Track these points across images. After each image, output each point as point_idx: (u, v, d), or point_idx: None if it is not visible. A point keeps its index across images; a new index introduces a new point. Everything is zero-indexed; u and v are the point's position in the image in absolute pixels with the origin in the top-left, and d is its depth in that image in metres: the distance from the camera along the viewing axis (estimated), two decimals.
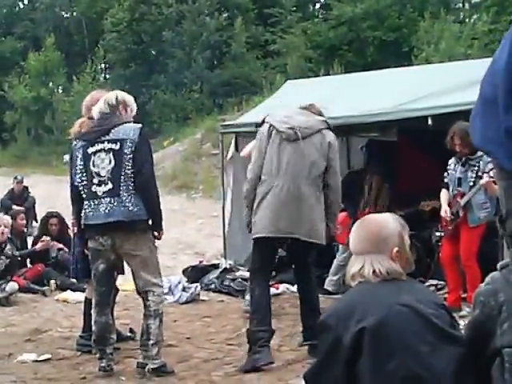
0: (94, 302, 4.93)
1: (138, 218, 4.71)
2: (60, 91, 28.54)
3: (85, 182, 4.79)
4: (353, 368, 2.30)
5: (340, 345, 2.33)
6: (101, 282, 4.88)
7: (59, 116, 26.64)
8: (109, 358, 4.84)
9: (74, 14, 34.52)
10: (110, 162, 4.70)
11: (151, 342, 4.75)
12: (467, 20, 23.35)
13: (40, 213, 11.45)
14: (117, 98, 4.89)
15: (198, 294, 7.44)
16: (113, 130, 4.75)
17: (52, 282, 7.93)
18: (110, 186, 4.69)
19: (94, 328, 4.89)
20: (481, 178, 6.09)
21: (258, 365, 4.91)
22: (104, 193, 4.69)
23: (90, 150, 4.77)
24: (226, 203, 8.82)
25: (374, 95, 7.74)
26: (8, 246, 7.51)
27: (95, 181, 4.72)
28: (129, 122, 4.84)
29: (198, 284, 7.67)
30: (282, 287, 7.67)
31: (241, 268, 8.41)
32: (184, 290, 7.39)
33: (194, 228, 12.50)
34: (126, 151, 4.68)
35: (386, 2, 23.75)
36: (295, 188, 5.17)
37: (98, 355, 4.88)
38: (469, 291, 6.05)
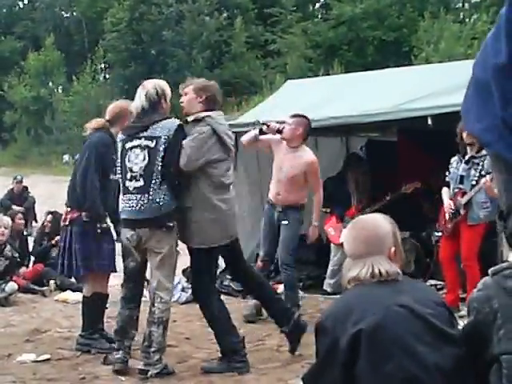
0: (121, 294, 5.06)
1: (163, 215, 4.75)
2: (60, 91, 28.53)
3: (119, 176, 4.91)
4: (351, 370, 2.30)
5: (337, 347, 2.32)
6: (129, 279, 4.98)
7: (59, 116, 26.65)
8: (126, 351, 4.91)
9: (74, 13, 34.55)
10: (144, 158, 4.74)
11: (153, 349, 4.75)
12: (467, 20, 23.36)
13: (40, 213, 11.45)
14: (157, 93, 4.87)
15: None
16: (151, 127, 4.77)
17: (52, 282, 7.93)
18: (141, 182, 4.74)
19: (117, 319, 5.01)
20: (484, 177, 6.08)
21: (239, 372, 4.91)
22: (135, 188, 4.76)
23: (128, 145, 4.83)
24: None
25: (374, 95, 7.73)
26: (7, 247, 7.51)
27: (128, 176, 4.80)
28: (169, 118, 4.87)
29: None
30: (282, 287, 7.65)
31: None
32: (183, 290, 7.38)
33: None
34: (159, 148, 4.72)
35: (386, 2, 23.77)
36: None
37: (115, 346, 4.97)
38: (469, 291, 6.03)
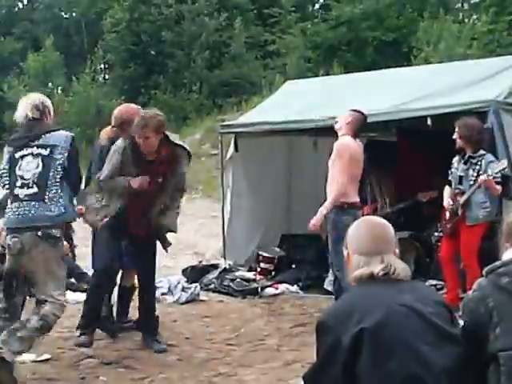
0: None
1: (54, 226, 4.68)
2: (59, 92, 28.49)
3: (7, 186, 4.79)
4: (352, 369, 2.30)
5: (339, 346, 2.33)
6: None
7: (59, 116, 26.64)
8: None
9: (74, 14, 34.49)
10: (38, 166, 4.68)
11: (19, 333, 4.59)
12: (466, 20, 23.31)
13: None
14: (43, 103, 4.89)
15: (198, 294, 7.44)
16: (44, 136, 4.76)
17: None
18: (34, 189, 4.66)
19: None
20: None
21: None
22: (26, 196, 4.66)
23: (18, 154, 4.75)
24: (226, 203, 8.82)
25: (374, 95, 7.74)
26: None
27: (18, 183, 4.69)
28: (58, 130, 4.89)
29: (197, 284, 7.67)
30: (282, 287, 7.67)
31: (240, 268, 8.42)
32: (183, 290, 7.39)
33: (194, 228, 12.48)
34: (56, 157, 4.69)
35: (386, 2, 23.73)
36: None
37: None
38: (468, 291, 6.04)
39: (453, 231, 6.36)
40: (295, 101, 8.52)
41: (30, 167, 4.68)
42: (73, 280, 7.59)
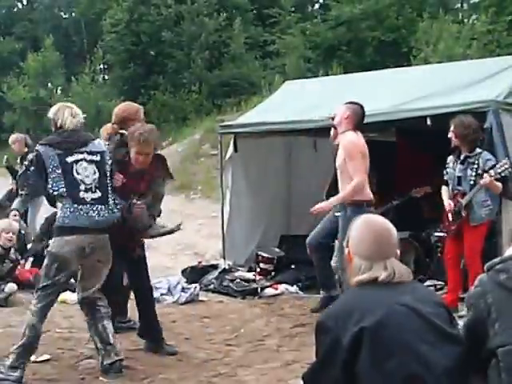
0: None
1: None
2: (59, 92, 28.49)
3: (63, 189, 4.79)
4: (352, 368, 2.30)
5: (339, 345, 2.33)
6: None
7: None
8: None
9: (73, 14, 34.50)
10: (95, 172, 4.86)
11: (111, 339, 4.93)
12: (466, 20, 23.32)
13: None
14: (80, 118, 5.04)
15: (197, 295, 7.44)
16: (90, 143, 4.93)
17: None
18: (98, 194, 4.84)
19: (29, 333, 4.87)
20: (481, 176, 6.08)
21: None
22: (93, 200, 4.81)
23: (70, 158, 4.82)
24: (225, 204, 8.83)
25: (373, 95, 7.74)
26: (12, 251, 7.61)
27: (82, 187, 4.80)
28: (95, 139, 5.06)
29: (197, 284, 7.67)
30: (281, 287, 7.67)
31: (240, 269, 8.42)
32: (183, 290, 7.39)
33: (193, 229, 12.47)
34: (107, 162, 4.96)
35: (385, 3, 23.72)
36: None
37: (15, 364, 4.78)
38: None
39: (456, 233, 6.35)
40: (295, 101, 8.52)
41: (88, 172, 4.83)
42: (72, 280, 7.57)
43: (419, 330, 2.34)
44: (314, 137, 8.38)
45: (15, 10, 36.10)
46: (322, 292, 6.56)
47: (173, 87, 25.18)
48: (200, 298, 7.42)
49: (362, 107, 6.10)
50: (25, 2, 36.24)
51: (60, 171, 4.77)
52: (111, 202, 4.90)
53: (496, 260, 2.54)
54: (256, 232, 8.95)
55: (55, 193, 4.80)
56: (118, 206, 5.01)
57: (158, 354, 5.38)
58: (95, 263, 4.90)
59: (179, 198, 16.25)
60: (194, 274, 8.16)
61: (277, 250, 8.54)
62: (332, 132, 6.28)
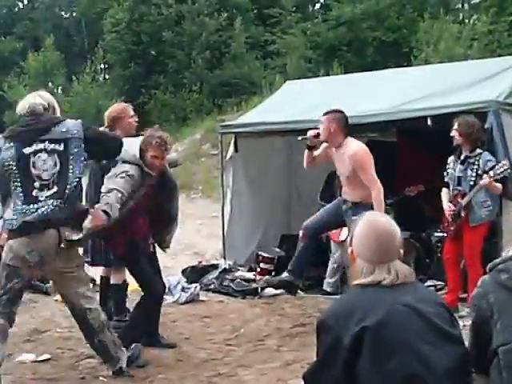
0: None
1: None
2: (59, 91, 28.50)
3: (18, 184, 4.35)
4: (353, 368, 2.30)
5: (340, 345, 2.33)
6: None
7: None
8: None
9: (74, 14, 34.51)
10: (56, 164, 4.34)
11: (113, 352, 4.73)
12: (467, 21, 23.32)
13: None
14: (50, 100, 4.62)
15: (198, 295, 7.44)
16: (53, 128, 4.40)
17: (51, 281, 7.92)
18: (54, 189, 4.33)
19: None
20: (481, 176, 6.08)
21: None
22: (46, 197, 4.31)
23: (27, 150, 4.35)
24: (226, 203, 8.82)
25: (374, 96, 7.74)
26: None
27: (37, 185, 4.32)
28: (64, 120, 4.51)
29: (197, 284, 7.67)
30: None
31: (240, 268, 8.42)
32: (183, 290, 7.38)
33: (194, 228, 12.49)
34: (72, 152, 4.37)
35: (386, 3, 23.71)
36: None
37: None
38: (470, 291, 6.03)
39: (456, 233, 6.35)
40: (295, 101, 8.52)
41: (47, 166, 4.33)
42: None
43: (420, 330, 2.34)
44: None
45: (16, 9, 36.10)
46: (286, 274, 6.28)
47: (173, 87, 25.18)
48: (200, 298, 7.42)
49: (341, 111, 6.01)
50: (25, 2, 36.24)
51: (15, 165, 4.32)
52: (67, 198, 4.33)
53: (497, 260, 2.55)
54: (256, 232, 8.95)
55: (7, 190, 4.39)
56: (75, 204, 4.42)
57: (156, 354, 5.38)
58: (56, 270, 4.49)
59: (180, 198, 16.27)
60: (194, 273, 8.15)
61: (277, 249, 8.54)
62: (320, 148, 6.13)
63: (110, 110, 6.05)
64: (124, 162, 5.12)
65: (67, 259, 4.45)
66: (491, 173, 5.98)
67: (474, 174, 6.16)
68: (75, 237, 4.37)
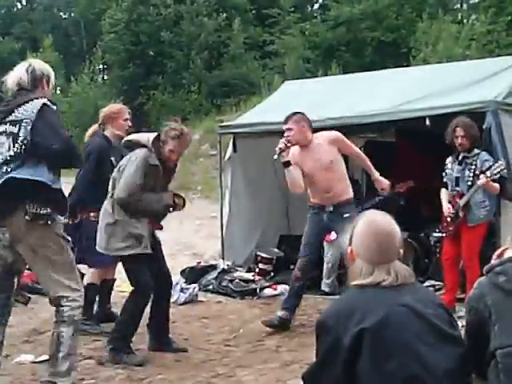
0: None
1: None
2: (58, 92, 28.49)
3: None
4: (352, 368, 2.30)
5: (340, 345, 2.33)
6: None
7: None
8: None
9: (72, 14, 34.53)
10: (9, 148, 4.07)
11: (61, 354, 4.18)
12: (465, 21, 23.32)
13: None
14: (43, 72, 4.34)
15: (196, 295, 7.44)
16: (16, 110, 4.11)
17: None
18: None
19: None
20: (478, 176, 6.08)
21: None
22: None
23: None
24: (224, 204, 8.82)
25: (372, 96, 7.75)
26: None
27: None
28: (34, 100, 4.13)
29: (196, 285, 7.67)
30: (280, 288, 7.66)
31: (239, 269, 8.41)
32: (182, 290, 7.38)
33: (192, 229, 12.49)
34: (21, 134, 4.05)
35: (384, 3, 23.73)
36: None
37: None
38: (468, 292, 6.04)
39: (455, 233, 6.35)
40: (294, 101, 8.51)
41: (3, 149, 4.09)
42: None
43: (420, 331, 2.33)
44: None
45: (14, 10, 36.12)
46: (283, 312, 6.14)
47: (172, 87, 25.18)
48: (199, 299, 7.42)
49: (302, 113, 6.08)
50: (24, 2, 36.27)
51: None
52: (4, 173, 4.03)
53: (495, 262, 2.55)
54: (255, 232, 8.95)
55: None
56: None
57: (155, 353, 5.37)
58: (28, 247, 4.18)
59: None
60: (193, 274, 8.15)
61: (276, 250, 8.54)
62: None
63: (107, 107, 6.18)
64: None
65: (40, 236, 4.13)
66: (488, 173, 5.98)
67: (472, 174, 6.16)
68: (42, 211, 4.09)
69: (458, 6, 26.64)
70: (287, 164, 5.90)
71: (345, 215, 5.78)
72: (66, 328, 4.20)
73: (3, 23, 33.95)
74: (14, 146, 4.05)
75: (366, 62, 22.26)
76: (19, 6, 36.37)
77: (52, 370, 4.22)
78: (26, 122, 4.03)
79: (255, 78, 23.64)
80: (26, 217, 4.05)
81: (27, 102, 4.10)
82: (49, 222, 4.12)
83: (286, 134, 5.94)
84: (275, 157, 5.95)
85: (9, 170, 4.04)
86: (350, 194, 6.05)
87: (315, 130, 7.80)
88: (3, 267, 4.34)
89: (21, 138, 4.03)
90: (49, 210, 4.11)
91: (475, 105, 6.61)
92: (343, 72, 18.87)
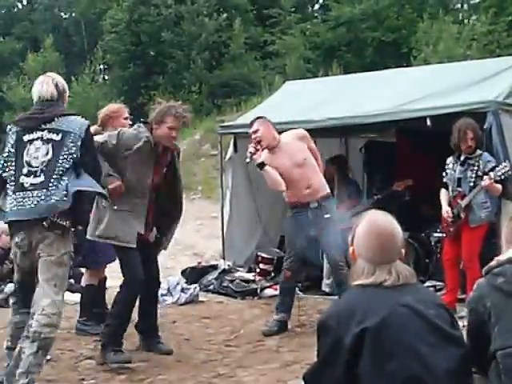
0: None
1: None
2: None
3: (12, 172, 4.31)
4: (353, 369, 2.30)
5: (341, 345, 2.33)
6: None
7: None
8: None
9: (73, 14, 34.50)
10: (48, 153, 4.27)
11: (20, 370, 4.08)
12: (466, 21, 23.33)
13: None
14: (63, 85, 4.58)
15: (197, 295, 7.44)
16: (57, 119, 4.36)
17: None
18: (41, 178, 4.24)
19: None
20: (481, 177, 6.07)
21: None
22: (32, 185, 4.24)
23: (27, 137, 4.33)
24: (225, 204, 8.82)
25: (373, 96, 7.74)
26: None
27: (25, 171, 4.26)
28: (74, 115, 4.50)
29: (196, 285, 7.67)
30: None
31: (240, 269, 8.41)
32: (183, 290, 7.39)
33: (193, 229, 12.48)
34: (67, 143, 4.29)
35: (385, 3, 23.72)
36: None
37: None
38: (468, 292, 6.03)
39: (455, 234, 6.34)
40: (295, 101, 8.52)
41: (39, 153, 4.28)
42: (72, 281, 7.58)
43: (421, 331, 2.33)
44: (314, 137, 8.36)
45: (15, 10, 36.11)
46: (282, 314, 6.17)
47: (173, 87, 25.16)
48: (200, 299, 7.42)
49: (263, 116, 6.14)
50: (25, 2, 36.25)
51: (14, 151, 4.32)
52: (53, 187, 4.21)
53: (493, 264, 2.55)
54: (256, 232, 8.94)
55: (4, 174, 4.33)
56: (64, 193, 4.22)
57: (156, 354, 5.37)
58: (29, 262, 4.33)
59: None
60: (194, 274, 8.15)
61: (276, 250, 8.53)
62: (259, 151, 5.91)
63: (105, 108, 6.07)
64: None
65: (49, 244, 4.24)
66: (492, 174, 5.97)
67: (474, 175, 6.16)
68: (61, 222, 4.23)
69: (459, 6, 26.61)
70: (262, 165, 5.82)
71: (325, 215, 5.84)
72: (29, 344, 4.13)
73: (4, 23, 33.94)
74: (53, 153, 4.25)
75: (366, 62, 22.25)
76: (20, 6, 36.36)
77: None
78: (73, 136, 4.30)
79: (256, 78, 23.63)
80: (44, 223, 4.18)
81: (66, 116, 4.39)
82: (63, 234, 4.27)
83: (253, 137, 5.91)
84: (247, 160, 5.90)
85: (58, 178, 4.22)
86: (327, 187, 6.07)
87: (315, 131, 7.85)
88: (24, 276, 4.44)
89: (66, 149, 4.27)
90: (67, 223, 4.27)
91: (476, 105, 6.61)
92: (344, 72, 18.85)
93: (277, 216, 9.20)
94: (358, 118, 7.37)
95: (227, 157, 8.78)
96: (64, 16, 35.37)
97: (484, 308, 2.41)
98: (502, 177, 5.98)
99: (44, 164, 4.26)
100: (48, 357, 5.20)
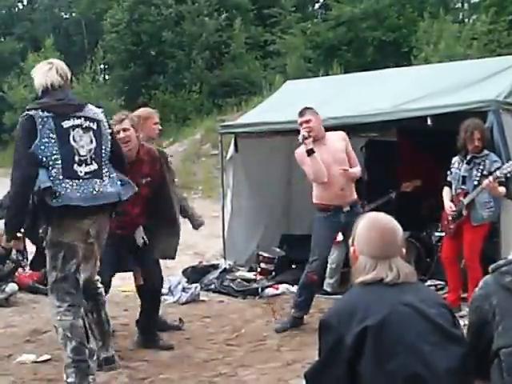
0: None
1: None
2: None
3: (57, 157, 4.15)
4: (355, 367, 2.30)
5: (342, 344, 2.33)
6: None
7: None
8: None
9: (74, 14, 34.56)
10: (92, 141, 4.28)
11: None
12: (466, 20, 23.35)
13: None
14: (67, 70, 4.65)
15: (198, 295, 7.44)
16: (85, 108, 4.37)
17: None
18: (95, 166, 4.27)
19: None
20: (486, 176, 6.06)
21: None
22: (87, 174, 4.22)
23: (66, 123, 4.22)
24: (226, 203, 8.82)
25: (374, 95, 7.74)
26: (13, 251, 7.58)
27: (76, 159, 4.20)
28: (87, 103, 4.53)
29: (197, 284, 7.67)
30: (282, 287, 7.66)
31: (240, 268, 8.41)
32: (184, 290, 7.38)
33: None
34: (104, 132, 4.38)
35: (385, 2, 23.73)
36: None
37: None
38: (470, 291, 6.03)
39: (456, 232, 6.34)
40: (295, 101, 8.50)
41: (84, 142, 4.25)
42: None
43: (422, 331, 2.34)
44: None
45: (16, 10, 36.14)
46: (297, 310, 6.15)
47: (173, 87, 25.19)
48: (201, 298, 7.42)
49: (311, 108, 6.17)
50: (25, 2, 36.31)
51: (55, 136, 4.14)
52: (106, 177, 4.32)
53: (501, 262, 2.55)
54: (257, 232, 8.94)
55: (44, 159, 4.10)
56: (116, 182, 4.38)
57: (156, 354, 5.38)
58: (93, 247, 4.41)
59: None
60: (195, 273, 8.15)
61: (277, 249, 8.53)
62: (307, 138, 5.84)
63: (137, 111, 5.89)
64: None
65: (107, 230, 4.53)
66: (497, 173, 5.95)
67: (479, 174, 6.15)
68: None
69: (459, 5, 26.63)
70: (311, 152, 5.77)
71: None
72: (105, 310, 4.70)
73: (4, 23, 33.98)
74: (96, 142, 4.29)
75: (367, 61, 22.26)
76: (20, 6, 36.41)
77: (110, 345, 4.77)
78: (105, 125, 4.40)
79: (256, 77, 23.65)
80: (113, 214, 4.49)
81: (87, 104, 4.44)
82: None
83: (304, 126, 5.89)
84: (299, 141, 5.84)
85: (108, 167, 4.36)
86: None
87: None
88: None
89: (105, 138, 4.36)
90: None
91: (476, 104, 6.60)
92: (344, 71, 18.87)
93: (278, 215, 9.22)
94: (359, 117, 7.36)
95: (228, 156, 8.78)
96: (64, 16, 35.42)
97: (490, 306, 2.41)
98: (508, 175, 5.97)
99: (92, 152, 4.28)
100: (49, 356, 5.22)
